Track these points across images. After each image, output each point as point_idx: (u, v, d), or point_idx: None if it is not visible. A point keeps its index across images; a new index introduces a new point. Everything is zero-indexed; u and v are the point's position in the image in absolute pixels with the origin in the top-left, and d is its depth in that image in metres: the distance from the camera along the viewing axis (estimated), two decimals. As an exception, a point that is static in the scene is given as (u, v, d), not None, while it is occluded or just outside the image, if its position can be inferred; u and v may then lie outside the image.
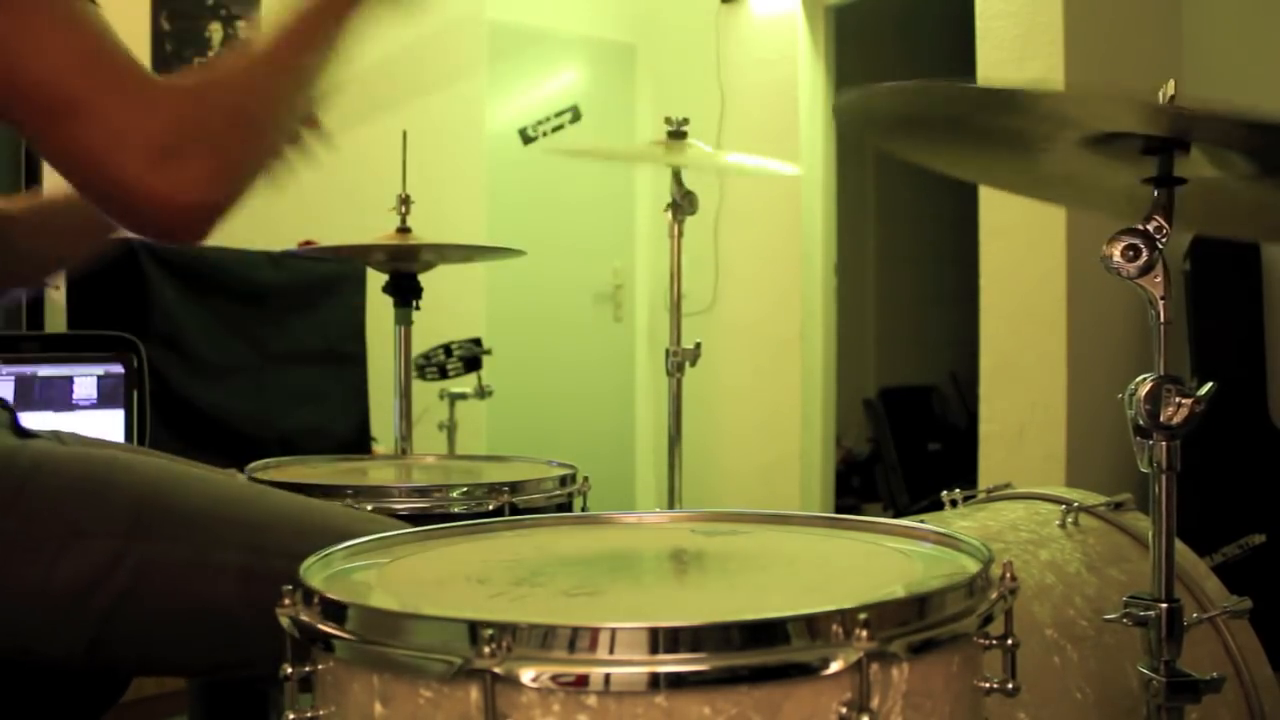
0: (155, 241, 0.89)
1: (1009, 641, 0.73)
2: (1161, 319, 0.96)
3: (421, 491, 1.40)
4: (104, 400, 2.50)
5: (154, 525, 0.95)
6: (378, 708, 0.65)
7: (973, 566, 0.77)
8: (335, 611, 0.69)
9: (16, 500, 0.92)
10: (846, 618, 0.62)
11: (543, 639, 0.61)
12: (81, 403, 2.49)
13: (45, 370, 2.46)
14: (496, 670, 0.60)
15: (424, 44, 4.02)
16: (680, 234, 2.07)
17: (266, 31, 0.93)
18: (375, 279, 2.00)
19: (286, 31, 0.94)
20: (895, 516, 1.05)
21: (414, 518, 1.35)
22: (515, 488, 1.41)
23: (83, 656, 0.94)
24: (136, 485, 0.97)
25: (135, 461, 1.03)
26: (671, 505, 2.11)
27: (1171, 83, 0.95)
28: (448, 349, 3.33)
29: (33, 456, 0.96)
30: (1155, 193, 0.96)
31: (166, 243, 0.87)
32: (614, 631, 0.60)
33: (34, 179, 2.60)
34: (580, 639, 0.61)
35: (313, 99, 0.95)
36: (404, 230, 1.84)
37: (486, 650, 0.60)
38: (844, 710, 0.62)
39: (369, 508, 1.28)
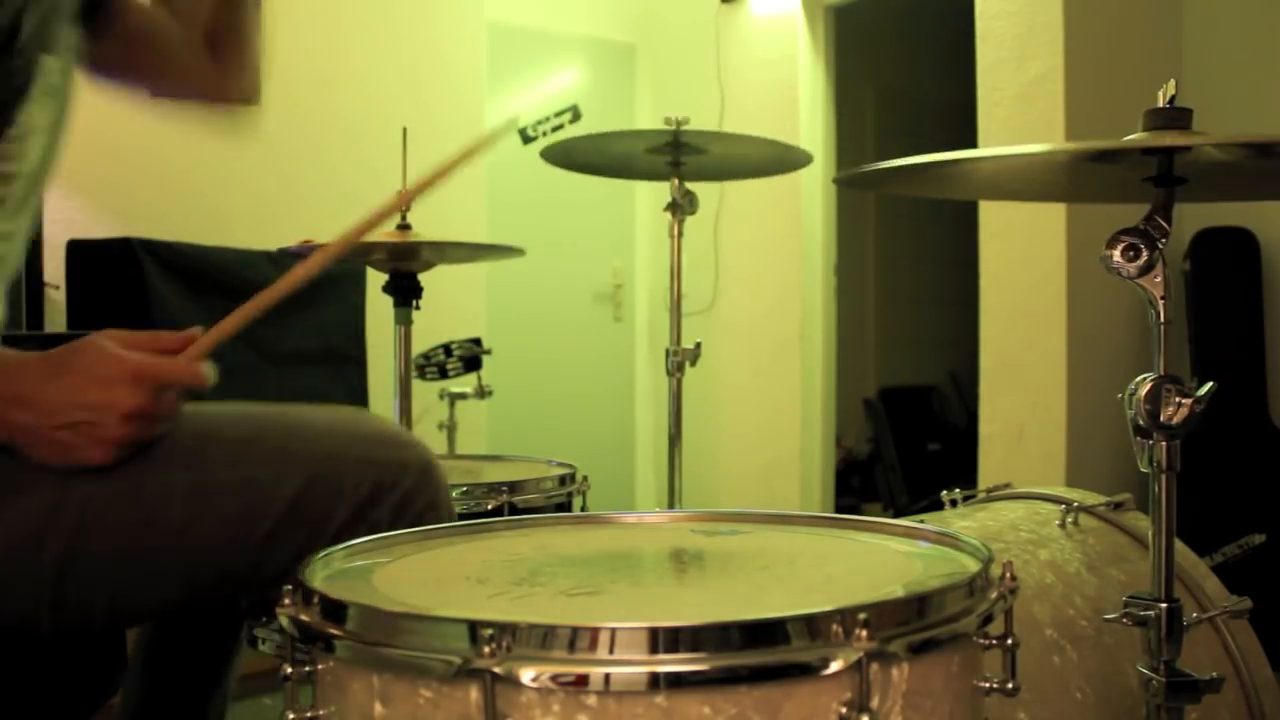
0: None
1: (1009, 641, 0.73)
2: (1161, 319, 0.96)
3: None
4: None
5: (82, 470, 0.93)
6: (377, 707, 0.65)
7: (973, 566, 0.77)
8: (335, 611, 0.69)
9: None
10: (846, 617, 0.62)
11: (542, 639, 0.61)
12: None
13: (45, 370, 2.45)
14: (496, 670, 0.60)
15: (424, 44, 4.03)
16: (680, 234, 2.07)
17: None
18: (375, 279, 2.00)
19: None
20: (895, 516, 1.05)
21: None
22: (515, 487, 1.41)
23: (50, 613, 0.93)
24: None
25: None
26: (671, 505, 2.11)
27: (1172, 83, 0.95)
28: (448, 349, 3.32)
29: None
30: (1155, 192, 0.97)
31: None
32: (614, 631, 0.60)
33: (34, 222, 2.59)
34: (580, 639, 0.61)
35: None
36: (404, 227, 1.84)
37: (486, 650, 0.60)
38: (844, 710, 0.62)
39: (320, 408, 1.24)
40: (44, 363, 0.93)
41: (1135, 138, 0.95)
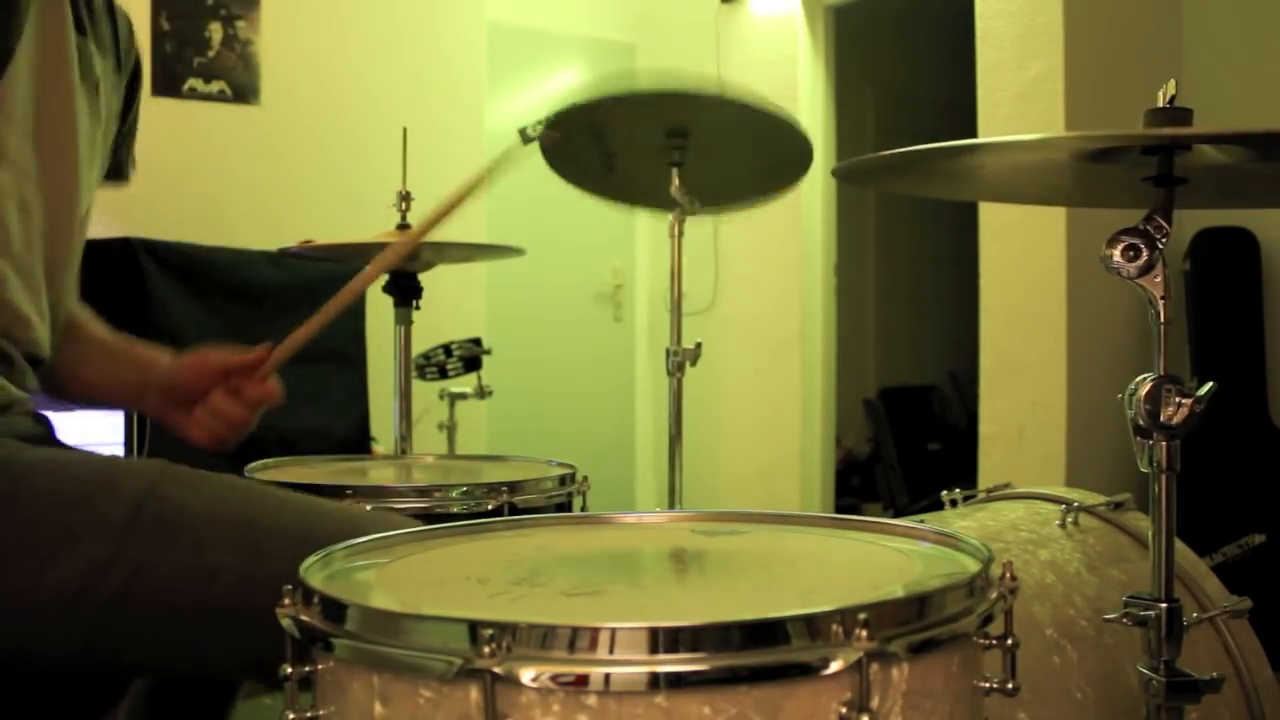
0: None
1: (1009, 641, 0.73)
2: (1161, 319, 0.96)
3: (421, 491, 1.40)
4: (104, 400, 2.50)
5: (149, 528, 0.95)
6: (377, 707, 0.65)
7: (972, 566, 0.76)
8: (335, 611, 0.69)
9: (10, 505, 0.92)
10: (846, 617, 0.62)
11: (542, 639, 0.61)
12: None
13: (45, 370, 2.45)
14: (496, 670, 0.59)
15: (424, 44, 4.03)
16: (680, 233, 2.07)
17: None
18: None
19: None
20: (895, 516, 1.05)
21: (414, 518, 1.35)
22: (515, 487, 1.41)
23: (79, 658, 0.94)
24: (133, 487, 0.97)
25: (135, 465, 1.04)
26: (671, 505, 2.11)
27: (1172, 82, 0.95)
28: (448, 349, 3.32)
29: (31, 461, 0.97)
30: (1155, 192, 0.97)
31: None
32: (614, 631, 0.60)
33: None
34: (580, 639, 0.61)
35: None
36: (404, 227, 1.84)
37: (486, 650, 0.60)
38: (844, 710, 0.61)
39: (369, 508, 1.28)
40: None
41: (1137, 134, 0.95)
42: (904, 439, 4.87)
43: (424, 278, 1.89)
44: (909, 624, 0.65)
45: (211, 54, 3.36)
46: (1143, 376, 0.96)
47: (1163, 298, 0.95)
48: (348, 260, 2.97)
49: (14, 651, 0.94)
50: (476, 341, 3.37)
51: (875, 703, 0.62)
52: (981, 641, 0.72)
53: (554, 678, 0.60)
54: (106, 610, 0.92)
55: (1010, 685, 0.72)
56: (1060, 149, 0.98)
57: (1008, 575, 0.74)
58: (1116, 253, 0.95)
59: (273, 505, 1.06)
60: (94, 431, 2.39)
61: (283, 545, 0.97)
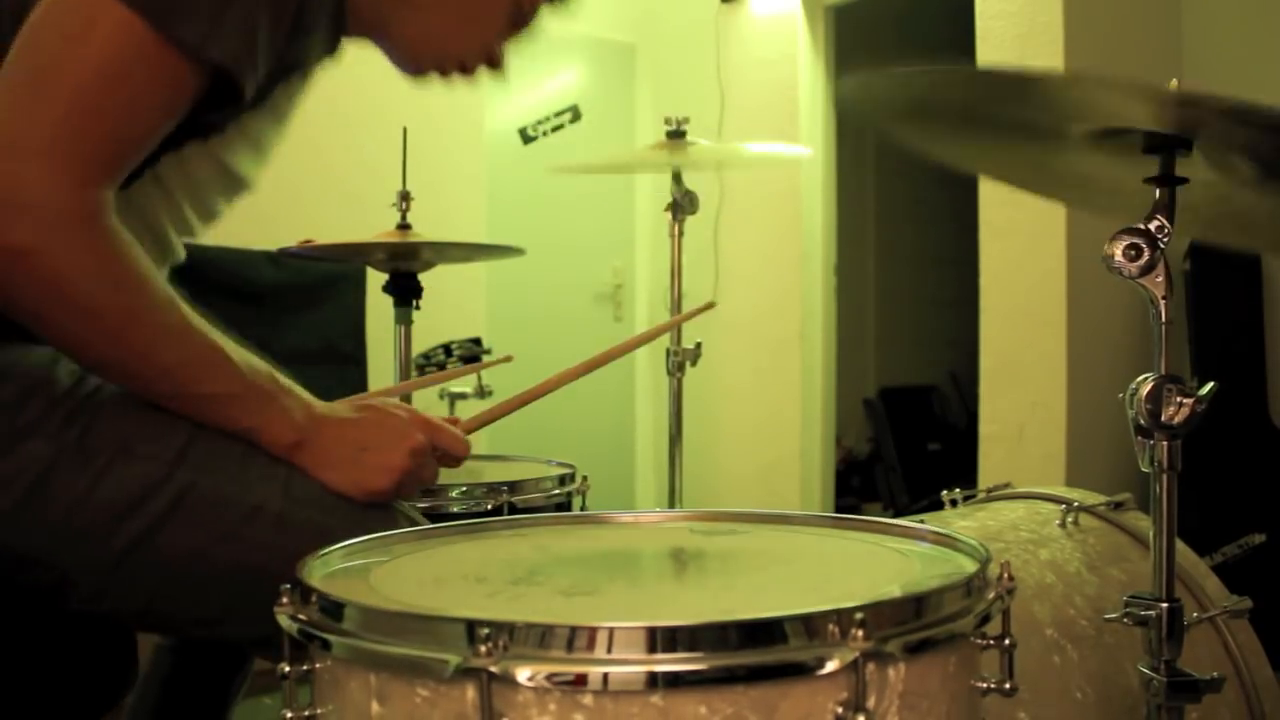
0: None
1: (1006, 641, 0.73)
2: (1162, 319, 0.96)
3: (421, 491, 1.39)
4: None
5: (202, 458, 0.96)
6: (375, 706, 0.65)
7: (970, 566, 0.76)
8: (333, 610, 0.69)
9: (76, 414, 0.94)
10: (843, 617, 0.62)
11: (540, 638, 0.61)
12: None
13: (45, 370, 2.45)
14: (493, 669, 0.59)
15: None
16: (680, 233, 2.07)
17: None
18: (375, 279, 2.00)
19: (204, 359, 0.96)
20: (895, 516, 1.05)
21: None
22: (514, 487, 1.41)
23: (106, 587, 0.94)
24: (187, 419, 0.98)
25: None
26: (672, 505, 2.11)
27: (1173, 82, 0.95)
28: (448, 349, 3.32)
29: (100, 381, 0.98)
30: (1157, 192, 0.96)
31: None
32: (611, 631, 0.60)
33: None
34: (578, 638, 0.61)
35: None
36: (404, 227, 1.84)
37: (483, 649, 0.60)
38: (840, 710, 0.61)
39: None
40: (347, 404, 1.08)
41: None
42: (904, 439, 4.87)
43: (424, 278, 1.89)
44: (906, 624, 0.65)
45: (211, 54, 3.36)
46: (1144, 376, 0.95)
47: (1164, 297, 0.95)
48: (347, 260, 2.98)
49: (42, 558, 0.94)
50: (476, 341, 3.37)
51: (871, 702, 0.62)
52: (979, 641, 0.72)
53: (550, 677, 0.60)
54: (147, 532, 0.93)
55: (1008, 685, 0.72)
56: (1065, 107, 0.96)
57: (1005, 575, 0.74)
58: (1118, 252, 0.95)
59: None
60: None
61: (312, 494, 0.99)
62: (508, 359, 1.76)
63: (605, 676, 0.60)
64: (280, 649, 0.71)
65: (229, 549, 0.95)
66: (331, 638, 0.67)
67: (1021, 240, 3.06)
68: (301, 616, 0.70)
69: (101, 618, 1.02)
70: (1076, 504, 1.35)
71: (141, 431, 0.95)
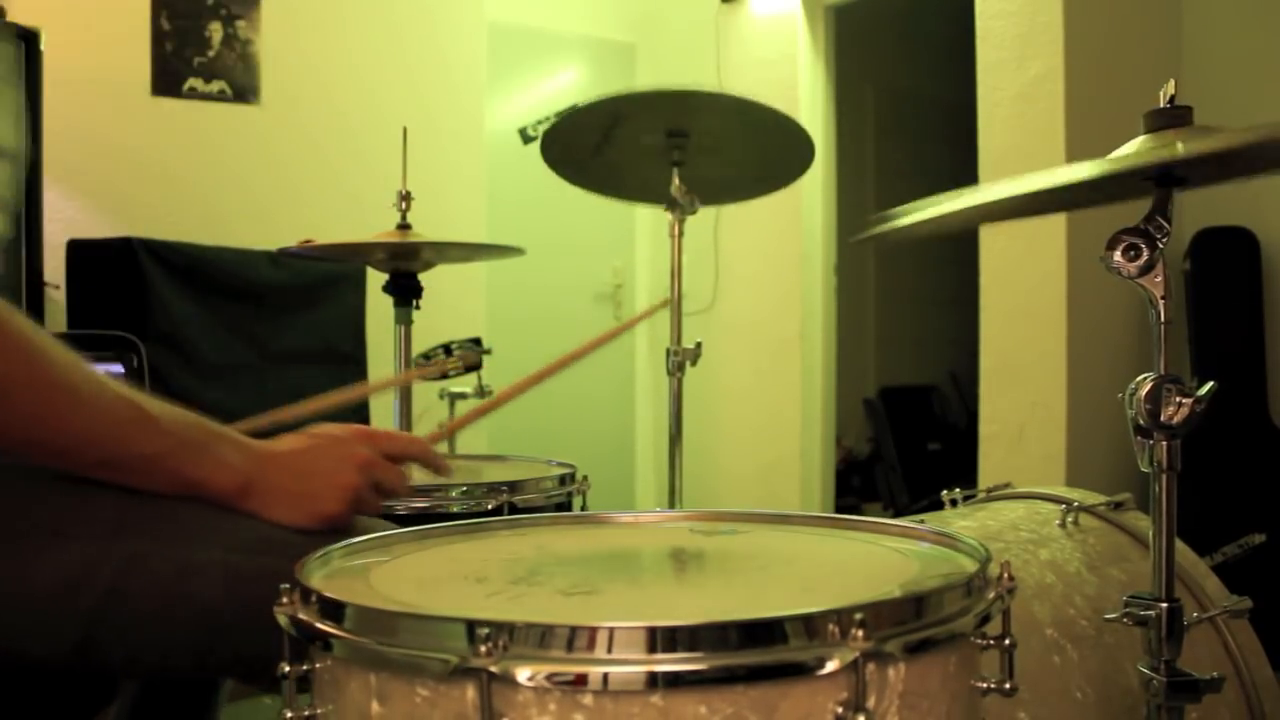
0: None
1: (1006, 641, 0.73)
2: (1162, 319, 0.96)
3: (421, 491, 1.40)
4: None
5: (137, 526, 0.94)
6: (375, 706, 0.65)
7: (970, 566, 0.76)
8: (333, 610, 0.68)
9: None
10: (843, 617, 0.62)
11: (540, 638, 0.61)
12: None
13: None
14: (493, 669, 0.59)
15: (424, 44, 4.03)
16: (680, 233, 2.07)
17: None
18: (375, 278, 2.00)
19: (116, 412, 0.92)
20: (895, 516, 1.05)
21: (413, 517, 1.35)
22: (514, 487, 1.41)
23: (70, 656, 0.94)
24: (117, 489, 0.96)
25: None
26: (672, 505, 2.11)
27: (1172, 83, 0.95)
28: (448, 349, 3.32)
29: (13, 462, 0.96)
30: (1155, 192, 0.96)
31: None
32: (611, 631, 0.60)
33: (34, 222, 2.59)
34: (578, 638, 0.61)
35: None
36: (404, 227, 1.84)
37: (483, 649, 0.60)
38: (840, 710, 0.61)
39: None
40: (290, 436, 1.03)
41: (1136, 146, 0.95)
42: (904, 439, 4.87)
43: (424, 278, 1.89)
44: (905, 624, 0.65)
45: (211, 54, 3.36)
46: (1143, 376, 0.96)
47: (1163, 297, 0.95)
48: (347, 260, 2.99)
49: (4, 648, 0.93)
50: (476, 341, 3.37)
51: (871, 702, 0.62)
52: (979, 641, 0.72)
53: (550, 677, 0.60)
54: (99, 608, 0.92)
55: (1008, 685, 0.72)
56: (1057, 192, 0.97)
57: (1005, 575, 0.74)
58: (1117, 253, 0.95)
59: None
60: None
61: (268, 539, 0.97)
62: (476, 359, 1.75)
63: (605, 676, 0.60)
64: (266, 677, 0.71)
65: (187, 607, 0.94)
66: (332, 638, 0.67)
67: (1021, 240, 3.06)
68: (302, 617, 0.70)
69: (94, 674, 1.02)
70: (1076, 504, 1.35)
71: (66, 510, 0.93)
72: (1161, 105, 0.95)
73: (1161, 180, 0.97)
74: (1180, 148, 0.89)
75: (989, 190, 0.97)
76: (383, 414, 3.19)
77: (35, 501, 0.94)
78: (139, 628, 0.94)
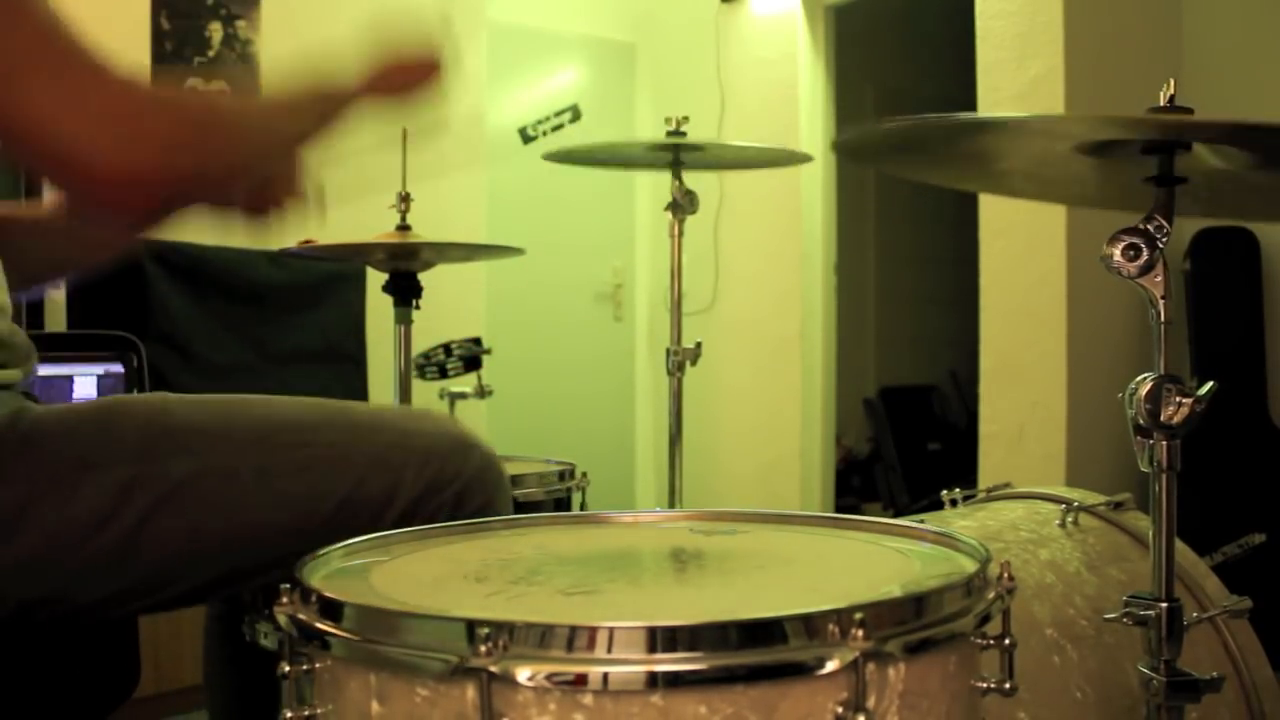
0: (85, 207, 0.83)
1: (1006, 641, 0.73)
2: (1162, 319, 0.96)
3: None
4: (104, 400, 2.50)
5: (160, 447, 0.97)
6: (374, 706, 0.65)
7: (970, 566, 0.76)
8: (332, 610, 0.68)
9: (25, 451, 0.95)
10: (842, 617, 0.62)
11: (540, 638, 0.61)
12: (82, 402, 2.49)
13: (45, 370, 2.45)
14: (493, 669, 0.59)
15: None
16: (680, 233, 2.07)
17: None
18: (375, 279, 2.00)
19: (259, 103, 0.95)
20: (895, 516, 1.05)
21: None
22: (515, 482, 1.41)
23: (113, 593, 0.95)
24: (136, 415, 1.00)
25: (132, 397, 1.08)
26: (672, 505, 2.11)
27: (1171, 82, 0.95)
28: (448, 348, 3.32)
29: (36, 414, 0.99)
30: (1155, 192, 0.96)
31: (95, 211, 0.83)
32: (611, 631, 0.60)
33: (34, 188, 2.58)
34: (578, 638, 0.61)
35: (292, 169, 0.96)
36: (404, 228, 1.84)
37: (483, 649, 0.60)
38: (840, 710, 0.61)
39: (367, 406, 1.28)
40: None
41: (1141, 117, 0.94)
42: (904, 439, 4.87)
43: (424, 277, 1.89)
44: (905, 624, 0.65)
45: (211, 54, 3.36)
46: (1143, 376, 0.95)
47: (1163, 297, 0.95)
48: (347, 260, 2.98)
49: (57, 596, 0.94)
50: (476, 341, 3.37)
51: (871, 702, 0.62)
52: (979, 641, 0.72)
53: (550, 677, 0.60)
54: (140, 529, 0.94)
55: (1008, 685, 0.72)
56: (1063, 136, 0.97)
57: (1005, 575, 0.74)
58: (1117, 252, 0.95)
59: (275, 405, 1.11)
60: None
61: (293, 437, 1.01)
62: None
63: (605, 676, 0.60)
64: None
65: (220, 519, 0.97)
66: (331, 637, 0.67)
67: (1021, 240, 3.06)
68: (301, 616, 0.70)
69: (102, 617, 1.03)
70: (1076, 504, 1.35)
71: (91, 443, 0.96)
72: (1161, 104, 0.95)
73: (1162, 180, 0.97)
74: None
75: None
76: (383, 414, 3.19)
77: (63, 441, 0.96)
78: (170, 553, 0.96)
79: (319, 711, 0.70)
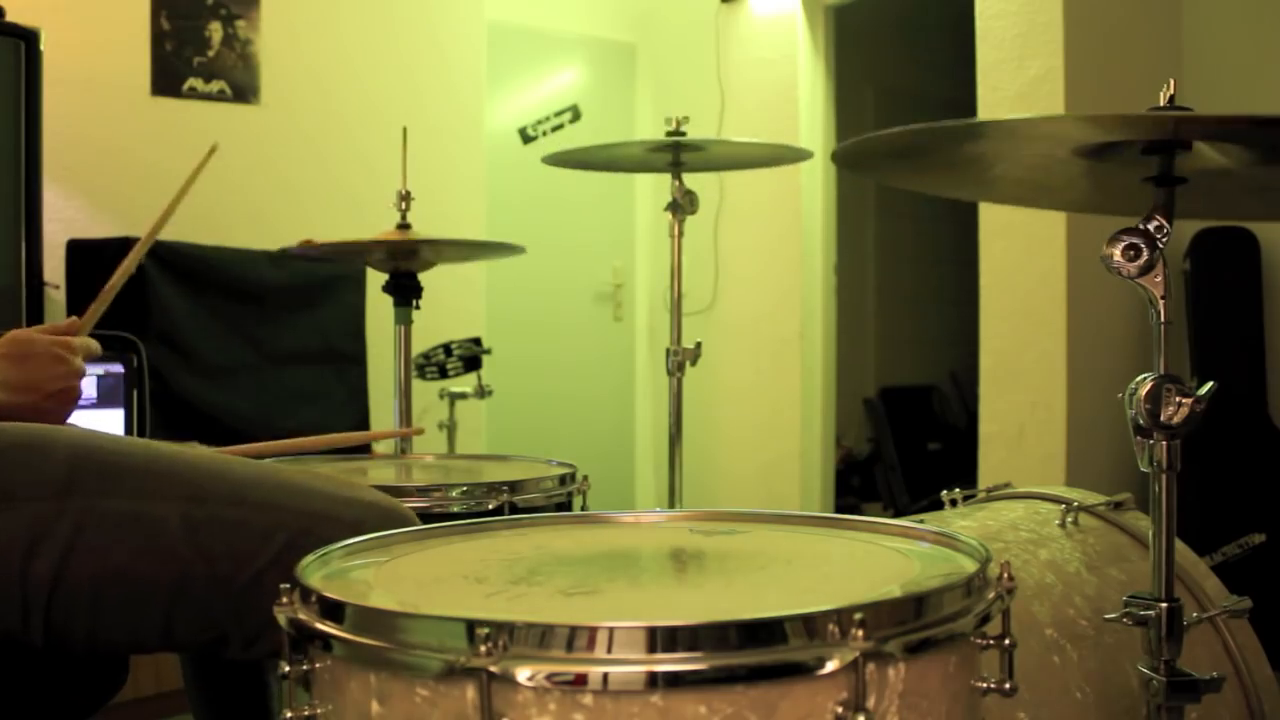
0: None
1: (1006, 641, 0.73)
2: (1161, 319, 0.96)
3: (421, 491, 1.40)
4: (104, 400, 2.50)
5: (87, 482, 0.94)
6: (374, 706, 0.65)
7: (970, 566, 0.76)
8: (332, 610, 0.68)
9: None
10: (842, 617, 0.62)
11: (540, 638, 0.61)
12: (81, 402, 2.48)
13: (45, 370, 2.45)
14: (492, 669, 0.59)
15: (423, 44, 4.02)
16: (680, 233, 2.07)
17: None
18: (375, 279, 2.00)
19: None
20: (895, 516, 1.05)
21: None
22: (514, 487, 1.41)
23: (42, 630, 0.93)
24: (65, 448, 0.97)
25: (64, 430, 1.03)
26: (672, 505, 2.11)
27: (1171, 83, 0.95)
28: (448, 348, 3.33)
29: None
30: (1155, 192, 0.96)
31: None
32: (611, 631, 0.60)
33: (34, 222, 2.58)
34: (578, 638, 0.61)
35: None
36: (404, 227, 1.84)
37: (483, 649, 0.60)
38: (840, 710, 0.61)
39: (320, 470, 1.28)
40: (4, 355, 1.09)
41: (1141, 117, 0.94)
42: (904, 439, 4.86)
43: (424, 278, 1.89)
44: (905, 624, 0.65)
45: (211, 54, 3.36)
46: (1143, 376, 0.96)
47: (1163, 297, 0.95)
48: (347, 260, 2.99)
49: None
50: (476, 341, 3.38)
51: (871, 702, 0.62)
52: (979, 641, 0.72)
53: (550, 677, 0.60)
54: (57, 570, 0.91)
55: (1008, 685, 0.72)
56: (1063, 140, 0.97)
57: (1005, 575, 0.74)
58: (1117, 252, 0.95)
59: (210, 457, 1.07)
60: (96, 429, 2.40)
61: (225, 490, 0.98)
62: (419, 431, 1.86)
63: (605, 676, 0.60)
64: (240, 644, 0.70)
65: (147, 564, 0.94)
66: (331, 638, 0.67)
67: (1021, 240, 3.06)
68: (301, 616, 0.70)
69: (69, 653, 1.02)
70: (1076, 504, 1.35)
71: (16, 473, 0.93)
72: (1161, 104, 0.95)
73: (1161, 180, 0.97)
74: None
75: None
76: (382, 413, 3.19)
77: None
78: (99, 589, 0.93)
79: (319, 711, 0.70)
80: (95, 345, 1.20)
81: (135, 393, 2.53)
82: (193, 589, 0.94)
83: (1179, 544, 1.08)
